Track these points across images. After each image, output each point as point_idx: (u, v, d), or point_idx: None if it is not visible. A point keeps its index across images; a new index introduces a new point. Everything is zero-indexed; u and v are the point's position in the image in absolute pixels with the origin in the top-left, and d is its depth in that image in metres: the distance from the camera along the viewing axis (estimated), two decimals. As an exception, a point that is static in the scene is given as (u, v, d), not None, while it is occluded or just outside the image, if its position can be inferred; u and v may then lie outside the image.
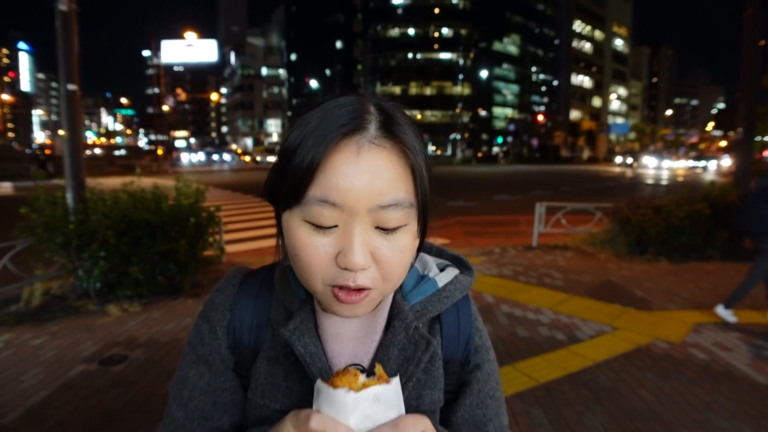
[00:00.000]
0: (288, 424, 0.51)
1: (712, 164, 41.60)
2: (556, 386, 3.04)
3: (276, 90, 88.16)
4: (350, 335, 0.65)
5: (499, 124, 67.49)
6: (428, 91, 64.37)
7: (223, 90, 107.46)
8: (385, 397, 0.50)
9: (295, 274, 0.61)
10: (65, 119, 4.74)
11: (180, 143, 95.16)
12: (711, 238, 6.55)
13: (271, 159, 49.51)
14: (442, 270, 0.73)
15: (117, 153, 54.19)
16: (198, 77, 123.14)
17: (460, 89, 63.48)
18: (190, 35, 59.59)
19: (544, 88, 75.77)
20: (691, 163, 44.51)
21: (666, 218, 6.45)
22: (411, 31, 63.63)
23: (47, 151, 33.50)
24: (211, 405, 0.68)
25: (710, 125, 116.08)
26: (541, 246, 7.51)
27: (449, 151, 64.44)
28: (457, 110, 62.81)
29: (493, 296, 4.90)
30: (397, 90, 63.46)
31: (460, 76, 63.26)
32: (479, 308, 3.82)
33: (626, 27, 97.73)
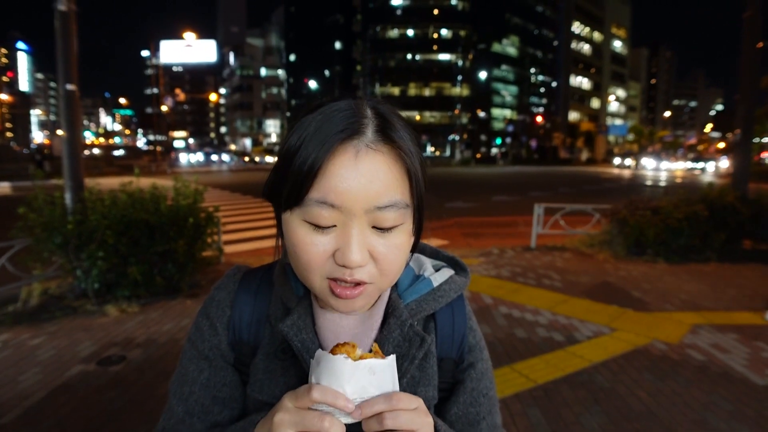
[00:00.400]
0: (286, 402, 0.51)
1: (710, 166, 41.70)
2: (554, 387, 3.05)
3: (275, 90, 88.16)
4: (347, 332, 0.66)
5: (498, 126, 67.53)
6: (427, 92, 64.41)
7: (222, 90, 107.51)
8: (381, 370, 0.51)
9: (295, 271, 0.62)
10: (64, 119, 4.74)
11: (179, 143, 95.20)
12: (709, 240, 6.56)
13: (270, 159, 49.51)
14: (437, 270, 0.74)
15: (116, 153, 54.08)
16: (197, 78, 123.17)
17: (459, 90, 63.55)
18: (190, 35, 59.54)
19: (542, 90, 75.85)
20: (690, 164, 44.61)
21: (664, 220, 6.46)
22: (410, 32, 63.69)
23: (45, 151, 33.41)
24: (210, 400, 0.69)
25: (709, 127, 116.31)
26: (539, 247, 7.52)
27: (448, 152, 64.52)
28: (456, 111, 62.89)
29: (492, 297, 4.91)
30: (396, 91, 63.50)
31: (459, 78, 63.34)
32: (477, 309, 3.79)
33: (625, 28, 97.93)
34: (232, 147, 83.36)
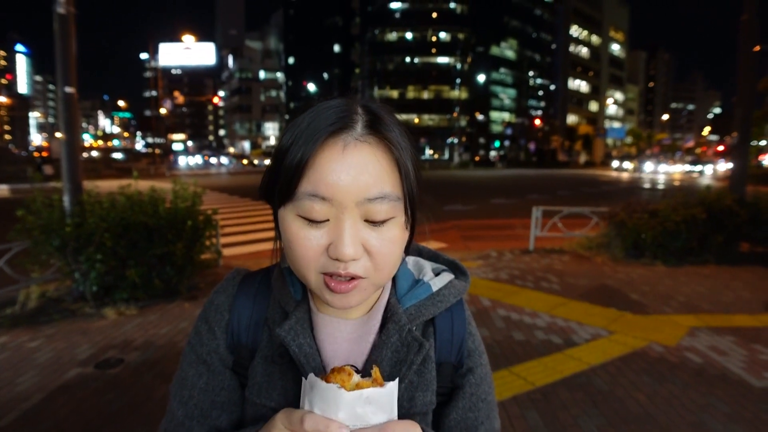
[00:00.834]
0: (279, 423, 0.52)
1: (708, 169, 41.80)
2: (552, 389, 3.05)
3: (274, 93, 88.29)
4: (345, 336, 0.66)
5: (497, 128, 67.67)
6: (426, 95, 64.54)
7: (221, 93, 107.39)
8: (377, 399, 0.50)
9: (291, 267, 0.63)
10: (62, 122, 4.74)
11: (177, 146, 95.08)
12: (707, 242, 6.58)
13: (268, 162, 49.56)
14: (437, 274, 0.74)
15: (115, 156, 54.00)
16: (196, 80, 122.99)
17: (457, 93, 63.66)
18: (188, 38, 59.72)
19: (541, 93, 76.07)
20: (688, 167, 44.67)
21: (662, 222, 6.48)
22: (409, 35, 63.86)
23: (44, 154, 33.36)
24: (209, 404, 0.69)
25: (707, 130, 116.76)
26: (537, 250, 7.53)
27: (446, 155, 64.57)
28: (455, 114, 62.97)
29: (490, 300, 4.91)
30: (395, 93, 63.61)
31: (458, 80, 63.47)
32: (476, 312, 3.79)
33: (623, 32, 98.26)
34: (231, 150, 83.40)
